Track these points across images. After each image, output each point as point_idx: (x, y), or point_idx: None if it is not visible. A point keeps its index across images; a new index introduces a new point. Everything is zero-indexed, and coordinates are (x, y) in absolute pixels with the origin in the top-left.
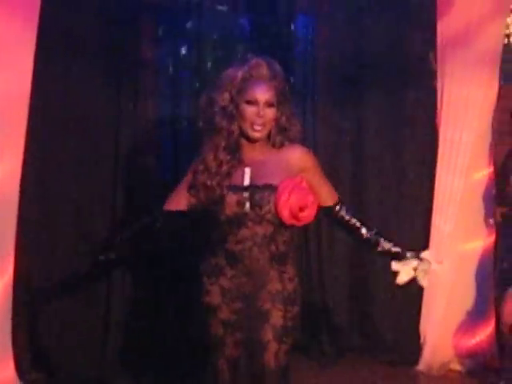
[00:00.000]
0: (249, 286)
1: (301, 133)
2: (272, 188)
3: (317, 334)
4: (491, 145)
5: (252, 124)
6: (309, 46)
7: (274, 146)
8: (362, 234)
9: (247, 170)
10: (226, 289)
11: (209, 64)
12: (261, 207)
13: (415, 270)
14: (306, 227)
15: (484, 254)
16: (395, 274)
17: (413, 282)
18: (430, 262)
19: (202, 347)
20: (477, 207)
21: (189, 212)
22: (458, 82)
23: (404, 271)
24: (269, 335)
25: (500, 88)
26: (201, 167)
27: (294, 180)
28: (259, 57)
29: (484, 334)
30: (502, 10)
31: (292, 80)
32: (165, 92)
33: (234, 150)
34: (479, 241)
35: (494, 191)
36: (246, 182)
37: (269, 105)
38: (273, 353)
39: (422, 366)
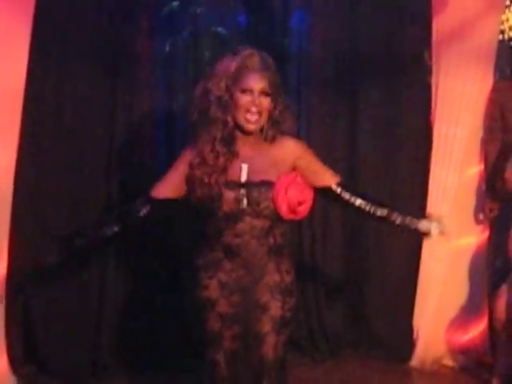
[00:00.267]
0: (247, 279)
1: (294, 126)
2: (269, 184)
3: (311, 330)
4: (482, 141)
5: (247, 112)
6: (304, 43)
7: (265, 139)
8: (370, 214)
9: (244, 167)
10: (224, 282)
11: (204, 58)
12: (258, 203)
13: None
14: (299, 222)
15: (477, 251)
16: (424, 233)
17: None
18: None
19: (198, 341)
20: (470, 203)
21: (181, 202)
22: (452, 78)
23: (431, 227)
24: (267, 327)
25: (495, 83)
26: (197, 160)
27: (290, 175)
28: (252, 49)
29: (477, 329)
30: (496, 7)
31: (287, 76)
32: (160, 85)
33: (229, 142)
34: (473, 237)
35: (484, 187)
36: (243, 178)
37: (264, 93)
38: (271, 344)
39: (414, 362)
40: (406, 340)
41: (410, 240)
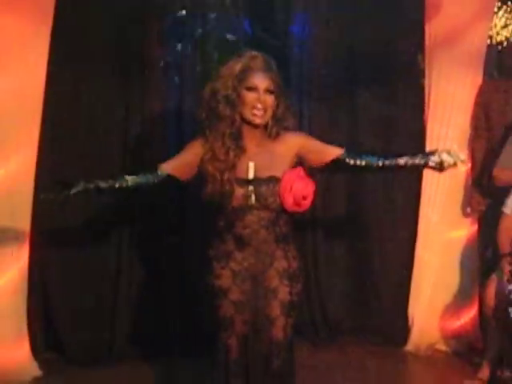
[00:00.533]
0: (257, 267)
1: (295, 124)
2: (275, 180)
3: (312, 317)
4: (469, 140)
5: (253, 108)
6: (305, 47)
7: (270, 136)
8: (380, 166)
9: (251, 165)
10: (237, 271)
11: (212, 61)
12: (266, 199)
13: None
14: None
15: (468, 243)
16: (439, 164)
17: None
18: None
19: (211, 326)
20: (461, 199)
21: (182, 184)
22: (444, 81)
23: (445, 157)
24: (277, 311)
25: (481, 85)
26: (208, 155)
27: (294, 171)
28: (255, 52)
29: (468, 316)
30: (485, 14)
31: (289, 78)
32: (170, 87)
33: (237, 138)
34: (463, 230)
35: (470, 183)
36: (251, 175)
37: (268, 91)
38: (281, 326)
39: (410, 347)
40: (401, 326)
41: (405, 233)
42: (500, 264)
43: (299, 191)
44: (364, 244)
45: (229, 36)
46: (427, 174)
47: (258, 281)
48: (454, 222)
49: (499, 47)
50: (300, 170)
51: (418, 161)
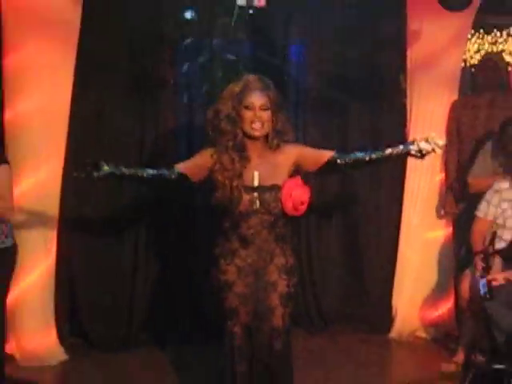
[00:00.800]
0: (259, 263)
1: (294, 136)
2: (277, 188)
3: (307, 307)
4: (443, 152)
5: (251, 123)
6: (300, 70)
7: (271, 147)
8: (367, 161)
9: (256, 174)
10: (241, 267)
11: (217, 81)
12: (269, 204)
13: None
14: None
15: (445, 242)
16: (419, 152)
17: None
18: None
19: (219, 316)
20: (438, 203)
21: (192, 184)
22: (424, 99)
23: (423, 146)
24: (276, 301)
25: (453, 102)
26: (217, 166)
27: (293, 180)
28: (252, 74)
29: (445, 307)
30: (460, 40)
31: (286, 96)
32: (181, 105)
33: (241, 149)
34: (440, 231)
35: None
36: (256, 183)
37: (263, 108)
38: (280, 315)
39: (393, 334)
40: (386, 316)
41: (390, 234)
42: (473, 261)
43: (298, 197)
44: (353, 244)
45: (232, 57)
46: (408, 182)
47: (260, 275)
48: (432, 224)
49: (472, 69)
50: (298, 179)
51: (400, 150)
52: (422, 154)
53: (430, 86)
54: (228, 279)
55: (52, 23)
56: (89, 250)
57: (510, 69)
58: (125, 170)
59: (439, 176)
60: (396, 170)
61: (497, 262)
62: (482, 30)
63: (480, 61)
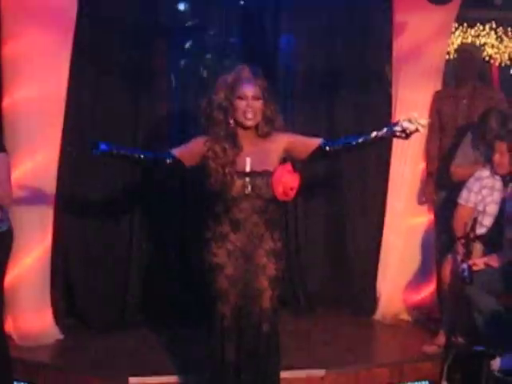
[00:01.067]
0: (249, 246)
1: (282, 123)
2: (268, 173)
3: (294, 290)
4: (426, 141)
5: (244, 114)
6: (289, 60)
7: (261, 135)
8: (354, 145)
9: (248, 160)
10: (231, 250)
11: (209, 72)
12: (260, 189)
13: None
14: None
15: (427, 228)
16: (403, 132)
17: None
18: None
19: (209, 298)
20: (419, 190)
21: (186, 169)
22: (409, 90)
23: (406, 125)
24: (264, 284)
25: (435, 93)
26: (210, 153)
27: (284, 166)
28: (244, 64)
29: (428, 290)
30: (444, 33)
31: (276, 87)
32: (173, 94)
33: (233, 138)
34: (423, 217)
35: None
36: (248, 169)
37: (256, 98)
38: (268, 297)
39: (377, 316)
40: (370, 299)
41: (375, 220)
42: (455, 246)
43: (288, 183)
44: (339, 229)
45: (223, 49)
46: (393, 170)
47: (249, 258)
48: (415, 211)
49: (456, 62)
50: (288, 166)
51: (385, 132)
52: (406, 134)
53: (414, 76)
54: (218, 262)
55: (49, 11)
56: (85, 231)
57: (491, 61)
58: (122, 151)
59: (422, 164)
60: (381, 158)
61: (477, 247)
62: (465, 24)
63: (455, 52)
